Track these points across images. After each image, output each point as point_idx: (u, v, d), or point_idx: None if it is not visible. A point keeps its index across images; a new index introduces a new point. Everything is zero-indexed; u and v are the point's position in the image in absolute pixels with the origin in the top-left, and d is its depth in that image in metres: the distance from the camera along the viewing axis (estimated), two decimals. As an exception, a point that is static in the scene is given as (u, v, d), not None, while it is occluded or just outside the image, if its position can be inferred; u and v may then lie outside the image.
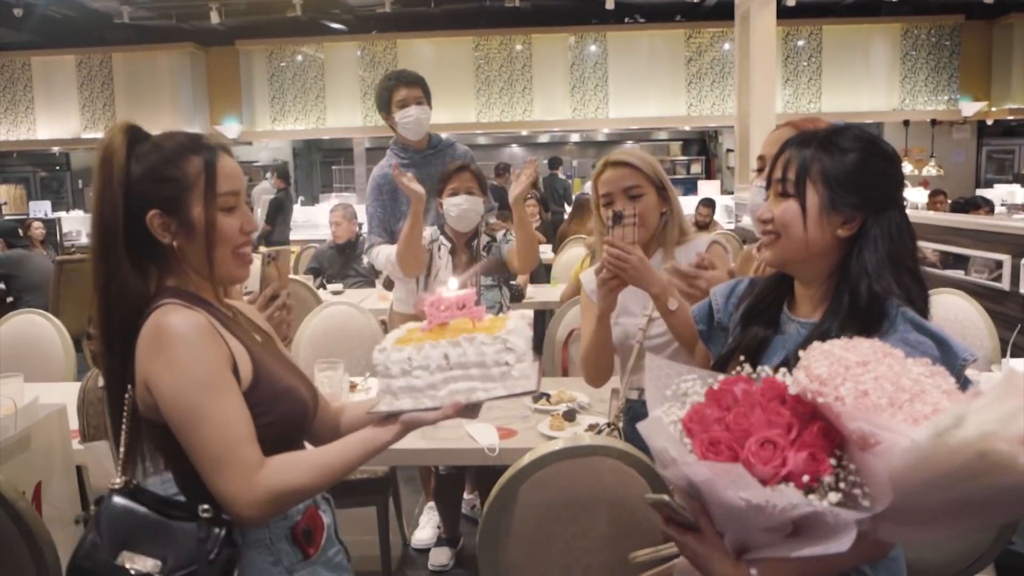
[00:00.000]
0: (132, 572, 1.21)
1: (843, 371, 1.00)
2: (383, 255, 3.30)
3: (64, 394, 2.41)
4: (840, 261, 1.30)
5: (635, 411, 2.10)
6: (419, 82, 3.43)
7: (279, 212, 8.77)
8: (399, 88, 3.40)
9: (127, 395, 1.29)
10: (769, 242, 1.33)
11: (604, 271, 1.90)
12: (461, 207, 3.02)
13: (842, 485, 0.99)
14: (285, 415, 1.31)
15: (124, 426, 1.31)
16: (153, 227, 1.27)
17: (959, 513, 0.97)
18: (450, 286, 1.31)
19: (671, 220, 2.13)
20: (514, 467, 1.66)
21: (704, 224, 8.24)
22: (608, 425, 2.11)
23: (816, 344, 1.06)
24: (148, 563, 1.22)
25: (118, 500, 1.27)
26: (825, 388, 0.99)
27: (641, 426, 1.14)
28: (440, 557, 3.31)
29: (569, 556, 1.68)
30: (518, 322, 1.26)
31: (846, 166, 1.27)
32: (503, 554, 1.68)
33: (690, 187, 11.26)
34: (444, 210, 3.07)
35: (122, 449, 1.31)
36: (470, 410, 1.24)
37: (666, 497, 1.17)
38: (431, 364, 1.20)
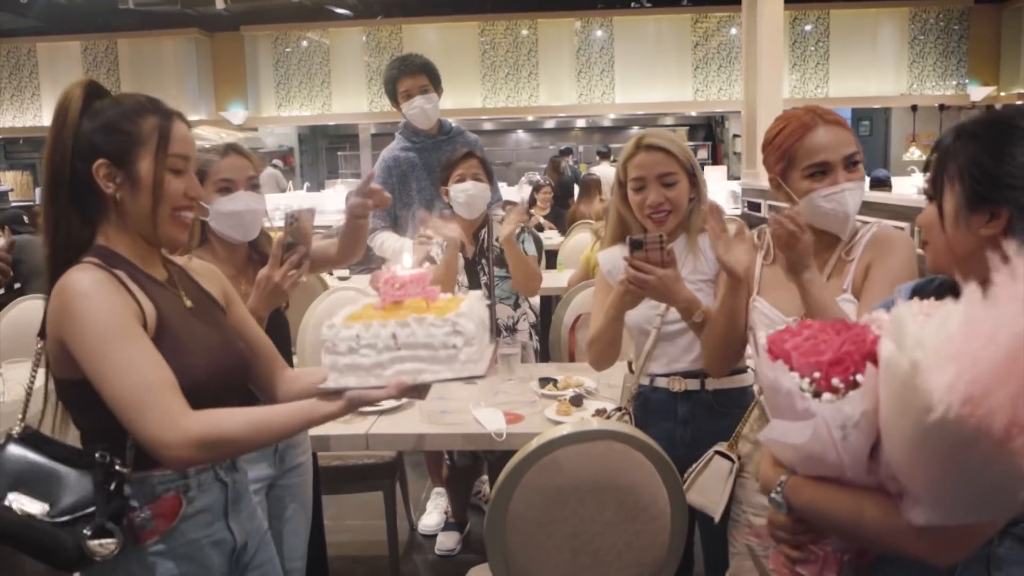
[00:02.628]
0: (17, 512, 1.24)
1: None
2: (387, 244, 3.30)
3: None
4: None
5: (646, 396, 2.10)
6: (424, 69, 3.41)
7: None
8: (403, 78, 3.39)
9: (39, 347, 1.33)
10: (923, 247, 1.24)
11: (622, 282, 1.87)
12: (468, 193, 2.99)
13: (840, 392, 1.02)
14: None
15: (30, 376, 1.37)
16: (98, 176, 1.30)
17: (945, 482, 0.93)
18: (404, 263, 1.30)
19: (697, 207, 2.07)
20: (521, 452, 1.66)
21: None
22: (618, 409, 2.10)
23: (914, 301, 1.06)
24: (36, 506, 1.24)
25: (12, 447, 1.30)
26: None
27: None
28: (447, 541, 3.32)
29: (577, 540, 1.69)
30: (472, 304, 1.24)
31: (987, 160, 1.10)
32: (511, 538, 1.69)
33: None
34: (451, 197, 3.04)
35: (26, 397, 1.36)
36: (417, 391, 1.22)
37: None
38: (378, 343, 1.19)
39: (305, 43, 11.43)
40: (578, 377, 2.66)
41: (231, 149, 2.08)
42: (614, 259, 2.08)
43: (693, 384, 2.02)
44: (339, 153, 14.37)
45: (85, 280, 1.25)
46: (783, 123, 1.74)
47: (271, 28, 11.37)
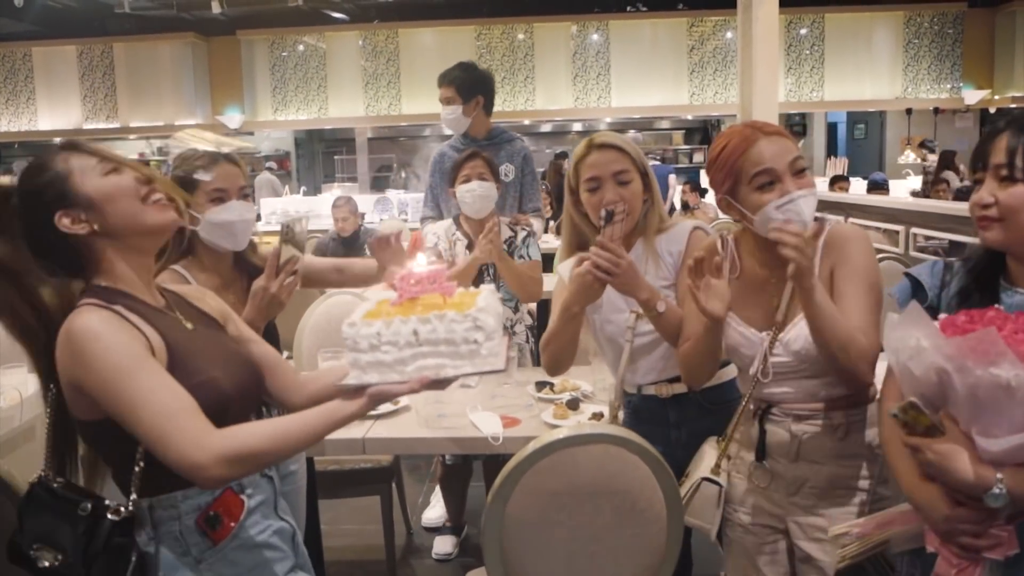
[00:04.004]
0: (38, 566, 1.28)
1: None
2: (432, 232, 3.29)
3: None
4: None
5: (636, 405, 2.10)
6: (449, 79, 3.57)
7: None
8: (439, 88, 3.58)
9: (50, 394, 1.33)
10: (987, 225, 1.36)
11: (589, 270, 1.82)
12: (475, 192, 3.00)
13: None
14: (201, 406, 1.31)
15: (48, 424, 1.36)
16: (67, 227, 1.31)
17: None
18: (419, 260, 1.31)
19: (652, 208, 2.04)
20: (518, 455, 1.66)
21: (689, 205, 8.23)
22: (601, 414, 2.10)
23: None
24: (49, 556, 1.28)
25: (35, 491, 1.33)
26: None
27: (902, 315, 1.28)
28: (444, 546, 3.32)
29: (574, 544, 1.69)
30: (489, 299, 1.25)
31: None
32: (507, 542, 1.69)
33: (693, 175, 11.21)
34: (459, 198, 3.05)
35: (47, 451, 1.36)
36: (438, 384, 1.24)
37: (914, 399, 1.26)
38: (400, 340, 1.20)
39: (301, 47, 11.43)
40: (574, 381, 2.66)
41: (223, 158, 2.07)
42: (570, 269, 2.03)
43: (680, 388, 2.02)
44: (335, 157, 14.34)
45: (91, 322, 1.26)
46: (725, 140, 1.72)
47: (267, 32, 11.37)
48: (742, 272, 1.78)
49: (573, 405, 2.44)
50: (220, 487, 1.32)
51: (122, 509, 1.29)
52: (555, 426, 2.26)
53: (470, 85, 3.54)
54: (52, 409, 1.34)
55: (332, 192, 10.07)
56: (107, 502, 1.30)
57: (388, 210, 9.24)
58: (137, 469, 1.29)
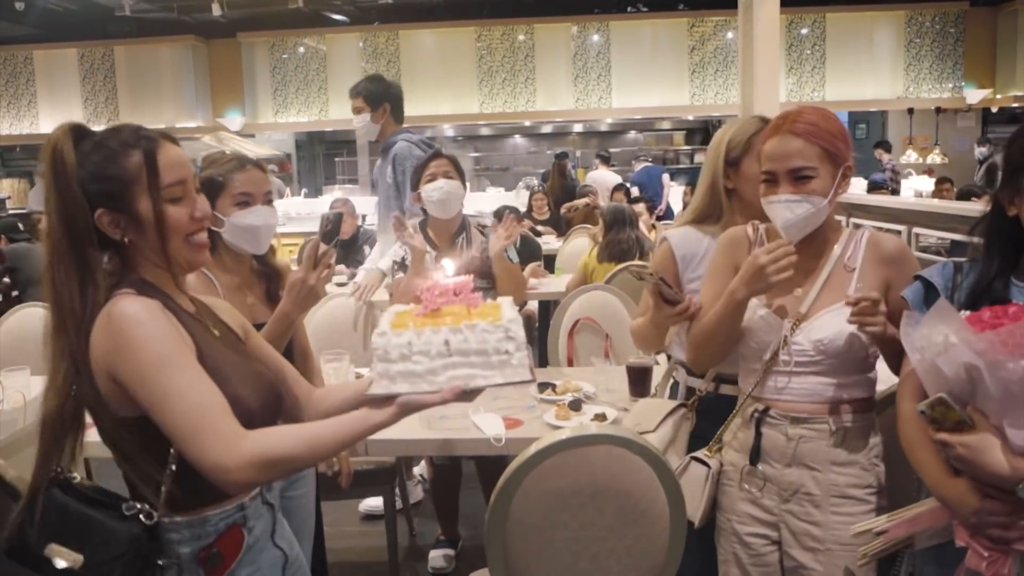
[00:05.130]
0: (55, 566, 1.23)
1: None
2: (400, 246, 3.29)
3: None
4: None
5: (706, 403, 2.00)
6: (357, 90, 3.93)
7: None
8: (351, 100, 3.94)
9: (72, 387, 1.28)
10: None
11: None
12: (442, 190, 2.97)
13: None
14: None
15: (77, 417, 1.30)
16: (103, 225, 1.29)
17: None
18: (446, 271, 1.30)
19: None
20: (520, 457, 1.66)
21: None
22: (682, 406, 2.00)
23: None
24: (70, 557, 1.23)
25: (56, 493, 1.27)
26: None
27: (928, 313, 1.31)
28: (438, 560, 3.26)
29: (576, 545, 1.69)
30: (513, 311, 1.25)
31: None
32: (510, 543, 1.69)
33: (694, 176, 11.22)
34: (424, 199, 3.01)
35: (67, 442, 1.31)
36: (467, 395, 1.22)
37: (944, 395, 1.28)
38: (431, 350, 1.19)
39: (302, 49, 11.43)
40: (576, 382, 2.66)
41: (250, 163, 2.09)
42: (687, 239, 2.04)
43: None
44: (336, 159, 14.36)
45: (135, 308, 1.24)
46: (774, 120, 1.76)
47: (268, 35, 11.38)
48: None
49: (575, 406, 2.43)
50: (243, 492, 1.30)
51: (154, 514, 1.26)
52: (557, 427, 2.25)
53: (377, 95, 3.79)
54: (75, 400, 1.28)
55: (333, 194, 10.09)
56: (139, 505, 1.27)
57: (389, 212, 9.23)
58: (169, 473, 1.26)
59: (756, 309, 1.75)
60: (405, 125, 4.03)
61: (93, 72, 11.46)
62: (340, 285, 4.93)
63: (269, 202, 2.09)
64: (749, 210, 1.96)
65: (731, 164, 2.01)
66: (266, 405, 1.38)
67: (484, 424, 2.32)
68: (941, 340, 1.27)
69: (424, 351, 1.19)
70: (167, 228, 1.30)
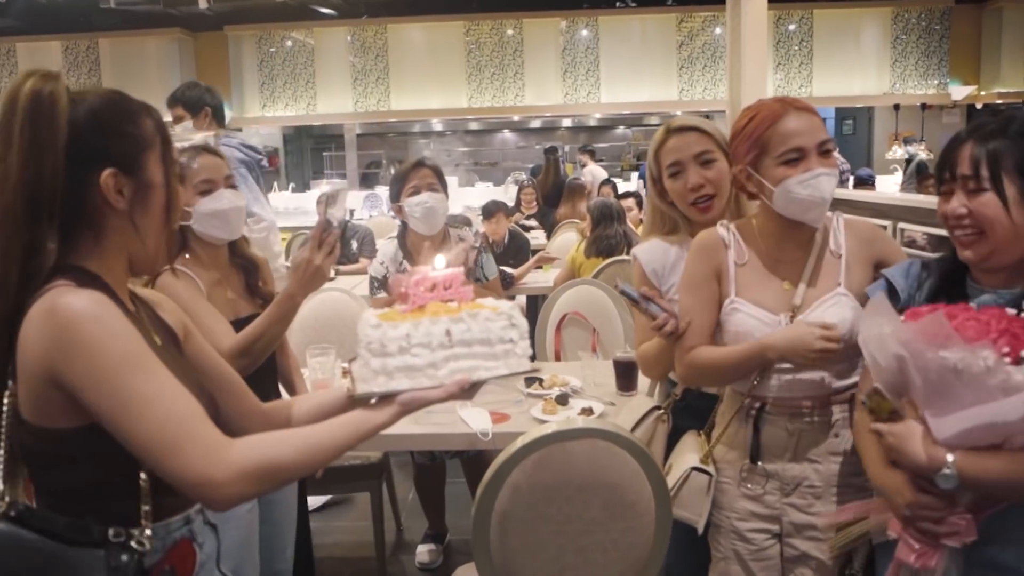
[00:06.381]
0: None
1: None
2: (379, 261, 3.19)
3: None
4: None
5: (689, 400, 1.99)
6: (175, 98, 3.78)
7: None
8: (168, 110, 3.77)
9: (5, 398, 1.09)
10: (971, 241, 1.36)
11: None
12: (426, 205, 2.81)
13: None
14: None
15: (3, 436, 1.09)
16: (107, 189, 1.10)
17: None
18: (436, 264, 1.22)
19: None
20: (507, 451, 1.66)
21: None
22: (657, 408, 1.98)
23: None
24: None
25: (5, 528, 1.03)
26: None
27: (868, 305, 1.35)
28: (424, 555, 3.25)
29: (563, 538, 1.69)
30: (506, 303, 1.20)
31: None
32: (497, 537, 1.69)
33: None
34: (407, 212, 2.85)
35: (0, 464, 1.07)
36: (469, 389, 1.15)
37: (878, 385, 1.33)
38: (432, 341, 1.11)
39: (290, 43, 11.37)
40: (563, 376, 2.66)
41: (203, 150, 2.07)
42: (654, 253, 2.02)
43: None
44: (324, 153, 14.30)
45: (85, 302, 1.04)
46: (753, 112, 1.73)
47: (255, 28, 11.31)
48: (749, 258, 1.77)
49: (562, 400, 2.44)
50: (231, 507, 1.08)
51: (144, 541, 1.08)
52: (544, 421, 2.26)
53: (195, 101, 3.69)
54: (9, 415, 1.08)
55: (321, 189, 10.05)
56: (131, 531, 1.08)
57: (377, 206, 9.22)
58: (141, 487, 1.08)
59: (747, 309, 1.73)
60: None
61: (78, 65, 11.37)
62: (329, 280, 4.91)
63: (232, 186, 2.06)
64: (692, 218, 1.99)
65: (657, 182, 2.01)
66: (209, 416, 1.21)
67: (471, 418, 2.33)
68: (876, 332, 1.30)
69: (424, 343, 1.11)
70: (177, 202, 1.17)
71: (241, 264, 2.15)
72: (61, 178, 1.07)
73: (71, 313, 1.03)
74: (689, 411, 1.97)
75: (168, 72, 11.22)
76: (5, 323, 1.07)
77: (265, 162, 4.03)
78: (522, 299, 5.63)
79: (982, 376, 1.13)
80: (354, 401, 1.17)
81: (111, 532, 1.07)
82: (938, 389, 1.21)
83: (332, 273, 5.23)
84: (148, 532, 1.09)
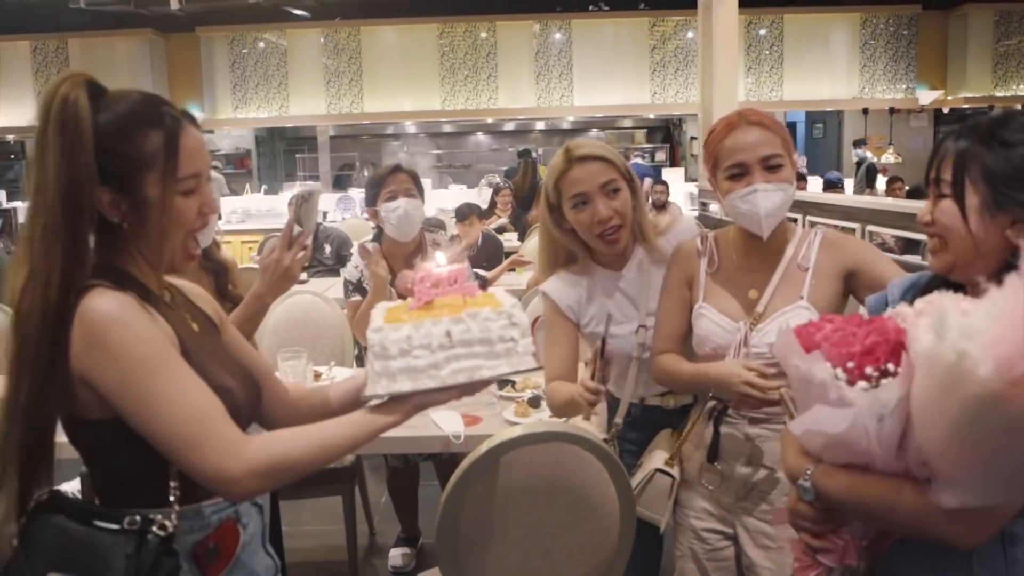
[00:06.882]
0: None
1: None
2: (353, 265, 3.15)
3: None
4: (1007, 262, 1.13)
5: (635, 415, 2.00)
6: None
7: None
8: None
9: (39, 399, 1.13)
10: (935, 249, 1.24)
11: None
12: (400, 212, 2.79)
13: (873, 380, 1.06)
14: None
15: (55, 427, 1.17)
16: (102, 205, 1.15)
17: (984, 464, 0.96)
18: (439, 260, 1.23)
19: (641, 211, 1.94)
20: (473, 454, 1.66)
21: (661, 203, 8.31)
22: (604, 442, 1.92)
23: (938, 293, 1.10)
24: None
25: (46, 516, 1.14)
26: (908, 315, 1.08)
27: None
28: (397, 558, 3.24)
29: (529, 542, 1.69)
30: (511, 297, 1.20)
31: (1012, 161, 1.13)
32: (462, 541, 1.68)
33: (655, 174, 11.33)
34: (382, 218, 2.83)
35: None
36: (473, 387, 1.17)
37: (783, 391, 1.34)
38: (432, 343, 1.12)
39: (262, 44, 11.30)
40: (536, 379, 2.67)
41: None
42: (564, 289, 1.96)
43: (686, 398, 1.95)
44: (297, 155, 14.21)
45: (111, 305, 1.11)
46: (715, 125, 1.76)
47: (227, 29, 11.23)
48: (720, 266, 1.80)
49: (534, 403, 2.45)
50: (247, 499, 1.21)
51: (167, 523, 1.14)
52: (516, 424, 2.27)
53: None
54: (45, 413, 1.14)
55: (294, 191, 10.00)
56: (152, 515, 1.13)
57: (350, 208, 9.19)
58: (173, 474, 1.15)
59: (711, 315, 1.76)
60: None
61: (46, 65, 11.22)
62: (300, 282, 4.89)
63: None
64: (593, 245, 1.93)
65: (556, 210, 1.92)
66: (250, 400, 1.30)
67: (443, 421, 2.33)
68: (779, 337, 1.29)
69: (425, 344, 1.13)
70: (171, 222, 1.18)
71: (211, 267, 2.15)
72: (95, 187, 1.13)
73: (99, 317, 1.10)
74: (637, 424, 1.99)
75: (139, 73, 11.11)
76: (53, 322, 1.11)
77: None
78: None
79: (823, 389, 1.08)
80: (363, 402, 1.20)
81: (132, 518, 1.12)
82: (800, 396, 1.18)
83: (304, 276, 5.19)
84: (174, 515, 1.15)
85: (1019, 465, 0.94)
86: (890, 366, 1.06)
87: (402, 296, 2.84)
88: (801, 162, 9.97)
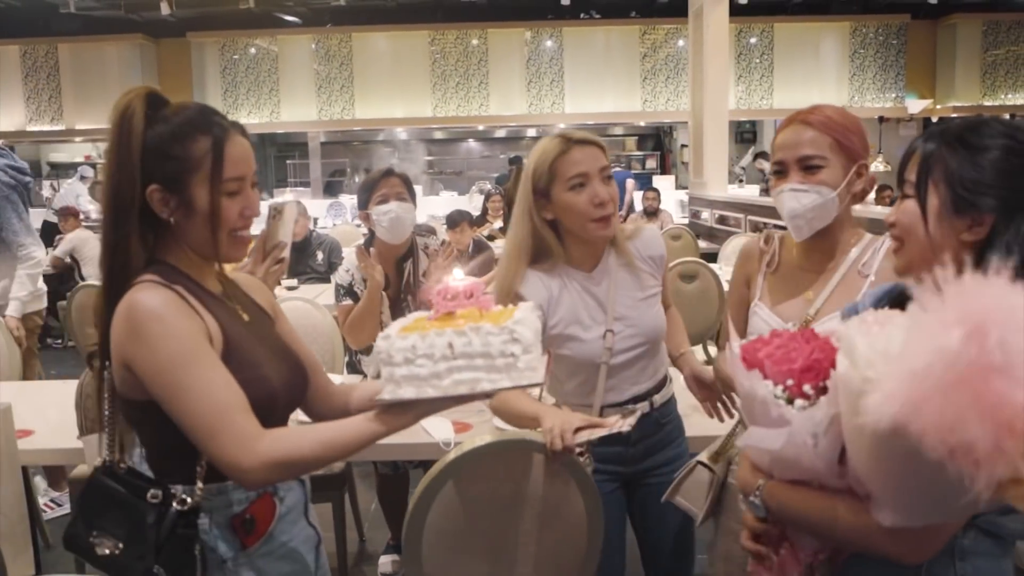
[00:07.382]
0: (97, 552, 1.27)
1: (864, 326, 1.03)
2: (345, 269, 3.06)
3: (9, 393, 2.36)
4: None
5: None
6: None
7: None
8: None
9: (105, 372, 1.30)
10: (895, 249, 1.23)
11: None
12: (392, 215, 2.78)
13: (812, 399, 1.06)
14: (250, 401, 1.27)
15: (106, 404, 1.33)
16: (152, 201, 1.27)
17: (907, 486, 0.96)
18: (456, 275, 1.27)
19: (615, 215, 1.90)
20: (439, 463, 1.64)
21: (653, 210, 8.33)
22: (581, 455, 1.82)
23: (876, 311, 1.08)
24: (109, 543, 1.26)
25: (98, 478, 1.31)
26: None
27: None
28: (386, 565, 3.22)
29: (495, 551, 1.67)
30: (527, 313, 1.22)
31: (974, 165, 1.12)
32: (428, 549, 1.66)
33: (646, 182, 11.36)
34: (374, 221, 2.82)
35: (106, 428, 1.33)
36: (475, 397, 1.21)
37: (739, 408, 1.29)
38: (435, 353, 1.16)
39: (253, 50, 11.30)
40: (533, 391, 2.66)
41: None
42: (536, 288, 1.90)
43: (643, 408, 1.93)
44: (288, 161, 14.21)
45: (154, 301, 1.22)
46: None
47: (218, 35, 11.23)
48: (780, 265, 1.79)
49: (523, 410, 2.44)
50: (258, 488, 1.31)
51: (187, 499, 1.27)
52: (506, 431, 2.26)
53: None
54: (109, 387, 1.31)
55: (284, 197, 9.99)
56: (173, 490, 1.27)
57: (341, 215, 9.19)
58: (200, 455, 1.26)
59: (763, 313, 1.75)
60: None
61: (36, 70, 11.19)
62: (290, 289, 4.88)
63: None
64: (578, 237, 1.89)
65: (542, 195, 1.86)
66: (292, 387, 1.39)
67: (433, 428, 2.32)
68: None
69: (428, 354, 1.17)
70: (219, 220, 1.28)
71: None
72: (138, 188, 1.26)
73: (140, 310, 1.22)
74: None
75: (129, 79, 11.07)
76: (106, 309, 1.26)
77: (32, 183, 3.79)
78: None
79: (765, 407, 1.09)
80: (374, 404, 1.26)
81: (155, 492, 1.27)
82: (746, 412, 1.18)
83: (295, 282, 5.16)
84: (198, 492, 1.28)
85: (936, 491, 0.93)
86: (828, 383, 1.05)
87: (411, 302, 2.88)
88: (878, 161, 10.01)
